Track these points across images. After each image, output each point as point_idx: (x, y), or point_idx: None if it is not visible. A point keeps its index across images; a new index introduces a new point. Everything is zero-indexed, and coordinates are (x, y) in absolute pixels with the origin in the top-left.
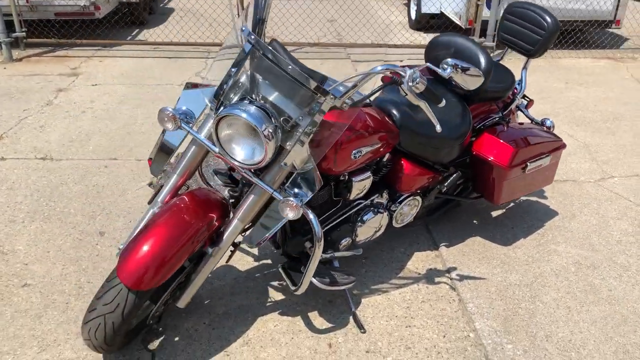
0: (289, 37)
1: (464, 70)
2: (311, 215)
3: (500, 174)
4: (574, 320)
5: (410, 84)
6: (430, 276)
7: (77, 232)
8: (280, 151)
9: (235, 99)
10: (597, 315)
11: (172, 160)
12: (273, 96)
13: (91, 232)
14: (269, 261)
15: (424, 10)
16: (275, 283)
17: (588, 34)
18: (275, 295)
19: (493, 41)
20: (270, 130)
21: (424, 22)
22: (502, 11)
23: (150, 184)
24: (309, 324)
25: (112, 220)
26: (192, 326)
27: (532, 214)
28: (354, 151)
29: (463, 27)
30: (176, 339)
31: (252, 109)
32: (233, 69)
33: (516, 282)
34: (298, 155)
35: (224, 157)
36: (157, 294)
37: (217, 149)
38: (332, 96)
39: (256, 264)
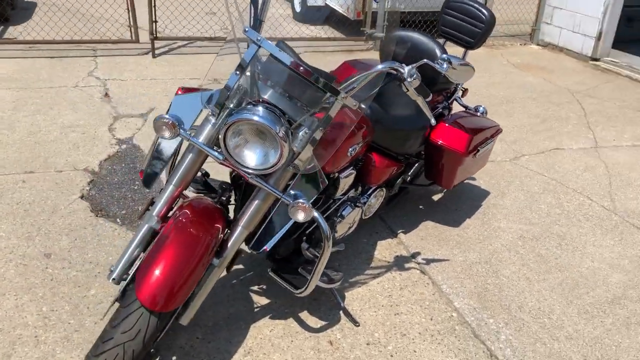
0: (168, 31)
1: (463, 64)
2: (317, 215)
3: (457, 160)
4: (536, 290)
5: (409, 80)
6: (400, 263)
7: (17, 257)
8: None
9: (235, 103)
10: (553, 282)
11: (162, 174)
12: (277, 98)
13: (34, 255)
14: (241, 266)
15: (310, 2)
16: (255, 287)
17: None
18: (260, 300)
19: (382, 32)
20: (284, 132)
21: (310, 14)
22: (389, 3)
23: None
24: (303, 325)
25: (54, 240)
26: (186, 342)
27: (468, 195)
28: (349, 149)
29: (351, 18)
30: (173, 358)
31: (263, 111)
32: (237, 73)
33: (476, 260)
34: (305, 156)
35: (229, 164)
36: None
37: (221, 157)
38: (343, 95)
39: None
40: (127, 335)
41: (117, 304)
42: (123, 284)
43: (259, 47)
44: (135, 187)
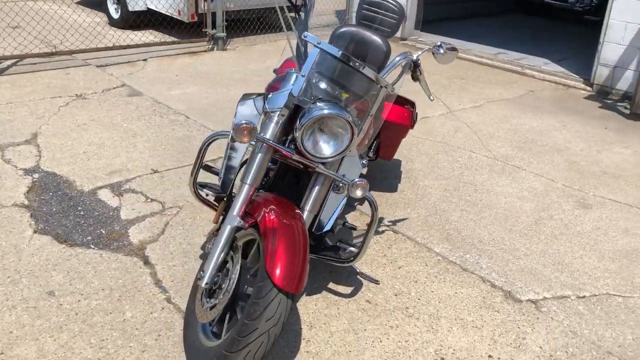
0: None
1: (450, 49)
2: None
3: (402, 133)
4: (482, 226)
5: (421, 67)
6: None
7: (19, 303)
8: None
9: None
10: (490, 218)
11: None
12: (332, 92)
13: (36, 296)
14: None
15: (132, 8)
16: None
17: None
18: None
19: (223, 32)
20: (352, 118)
21: (131, 20)
22: (227, 3)
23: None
24: (338, 294)
25: (45, 277)
26: None
27: (385, 166)
28: (371, 132)
29: (186, 21)
30: None
31: (331, 105)
32: (302, 75)
33: (427, 214)
34: (358, 140)
35: (301, 159)
36: None
37: (293, 153)
38: (390, 85)
39: None
40: (272, 322)
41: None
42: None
43: (320, 49)
44: (82, 212)
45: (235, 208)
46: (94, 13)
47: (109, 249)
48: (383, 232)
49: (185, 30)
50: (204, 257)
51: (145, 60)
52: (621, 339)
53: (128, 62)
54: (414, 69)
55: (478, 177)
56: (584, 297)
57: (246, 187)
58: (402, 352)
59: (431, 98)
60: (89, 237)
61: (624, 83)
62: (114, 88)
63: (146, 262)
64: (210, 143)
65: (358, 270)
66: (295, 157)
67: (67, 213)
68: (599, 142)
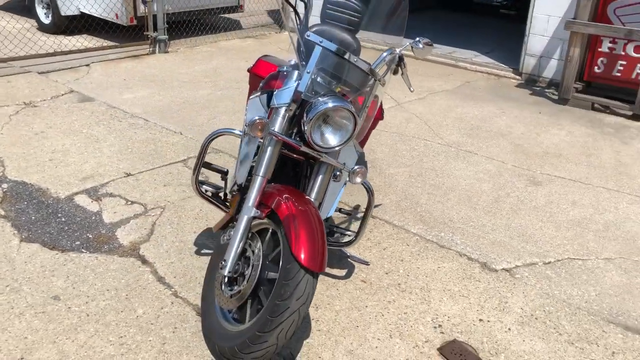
0: None
1: (427, 44)
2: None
3: (374, 124)
4: (450, 207)
5: (404, 61)
6: (353, 216)
7: (26, 309)
8: None
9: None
10: (455, 199)
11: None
12: (333, 85)
13: (41, 301)
14: None
15: (65, 12)
16: None
17: (220, 20)
18: None
19: (165, 34)
20: (354, 109)
21: (64, 25)
22: (166, 5)
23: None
24: (333, 277)
25: (46, 283)
26: None
27: None
28: (369, 124)
29: (124, 24)
30: None
31: (334, 98)
32: (308, 72)
33: (399, 199)
34: (357, 129)
35: (308, 150)
36: None
37: (301, 145)
38: (382, 79)
39: None
40: (301, 300)
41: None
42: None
43: (322, 47)
44: (63, 219)
45: (250, 199)
46: (20, 19)
47: (101, 252)
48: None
49: (123, 33)
50: (223, 248)
51: (88, 65)
52: (586, 295)
53: (70, 68)
54: (398, 63)
55: (437, 163)
56: (549, 262)
57: (259, 178)
58: (403, 323)
59: (412, 89)
60: (77, 242)
61: (550, 71)
62: (63, 95)
63: (144, 261)
64: (212, 141)
65: (348, 254)
66: (303, 148)
67: (48, 220)
68: (537, 126)
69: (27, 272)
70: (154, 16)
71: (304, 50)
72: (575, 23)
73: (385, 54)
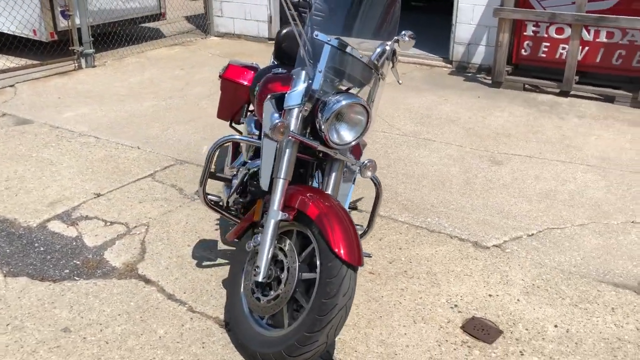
0: None
1: (411, 36)
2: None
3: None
4: (427, 193)
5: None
6: None
7: (38, 346)
8: None
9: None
10: (429, 186)
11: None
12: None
13: (50, 336)
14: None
15: None
16: None
17: (144, 30)
18: None
19: (91, 48)
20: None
21: None
22: (89, 19)
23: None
24: None
25: (48, 317)
26: None
27: None
28: None
29: (45, 40)
30: None
31: (347, 95)
32: (320, 71)
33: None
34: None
35: (324, 148)
36: None
37: (318, 144)
38: (383, 74)
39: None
40: (347, 295)
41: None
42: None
43: (331, 46)
44: (42, 249)
45: (274, 203)
46: None
47: (96, 277)
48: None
49: (44, 50)
50: (243, 255)
51: (12, 86)
52: (573, 260)
53: None
54: (392, 57)
55: (401, 152)
56: (532, 234)
57: (281, 181)
58: (421, 308)
59: (400, 82)
60: (67, 271)
61: (478, 57)
62: None
63: (147, 280)
64: (217, 149)
65: None
66: (321, 147)
67: (26, 252)
68: (480, 110)
69: (24, 307)
70: (78, 29)
71: (310, 49)
72: (503, 10)
73: (379, 48)
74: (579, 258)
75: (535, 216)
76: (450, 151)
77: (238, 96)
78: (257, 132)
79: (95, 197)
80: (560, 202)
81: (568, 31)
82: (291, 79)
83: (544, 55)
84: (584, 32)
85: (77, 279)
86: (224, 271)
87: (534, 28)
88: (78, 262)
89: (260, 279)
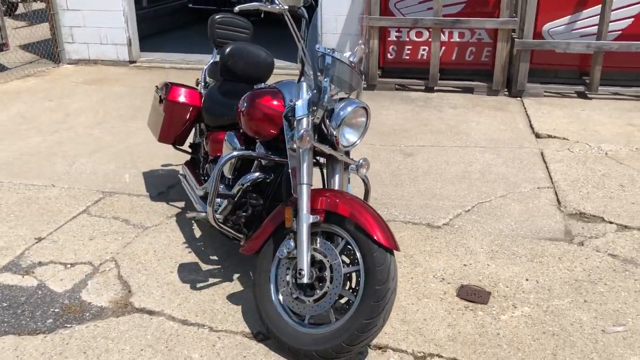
0: None
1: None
2: None
3: None
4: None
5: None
6: None
7: None
8: None
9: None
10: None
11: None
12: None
13: None
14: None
15: None
16: None
17: None
18: None
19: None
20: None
21: None
22: None
23: None
24: None
25: None
26: None
27: None
28: None
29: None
30: None
31: (349, 100)
32: (326, 80)
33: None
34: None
35: (333, 152)
36: None
37: (329, 149)
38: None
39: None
40: (395, 279)
41: None
42: None
43: (332, 57)
44: (5, 304)
45: (304, 207)
46: None
47: (90, 320)
48: None
49: None
50: (267, 264)
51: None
52: (510, 226)
53: None
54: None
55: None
56: (469, 210)
57: (305, 186)
58: (417, 286)
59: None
60: (50, 320)
61: None
62: None
63: (150, 312)
64: (223, 167)
65: None
66: (330, 151)
67: (19, 317)
68: None
69: None
70: None
71: (310, 62)
72: (372, 18)
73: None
74: (513, 223)
75: (463, 194)
76: (364, 150)
77: (184, 118)
78: (241, 147)
79: (37, 242)
80: (477, 180)
81: (426, 34)
82: (278, 92)
83: (407, 57)
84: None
85: (69, 325)
86: (223, 289)
87: (396, 34)
88: (57, 310)
89: (305, 280)
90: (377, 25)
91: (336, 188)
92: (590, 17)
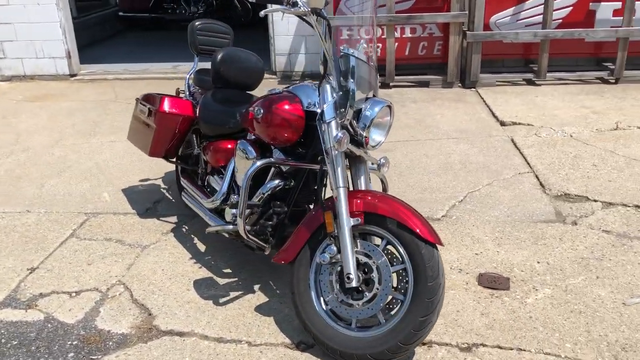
0: None
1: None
2: None
3: None
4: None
5: None
6: None
7: None
8: None
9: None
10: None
11: None
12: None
13: None
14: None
15: None
16: None
17: None
18: None
19: None
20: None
21: None
22: None
23: None
24: None
25: None
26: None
27: None
28: None
29: None
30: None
31: (374, 100)
32: (352, 81)
33: None
34: None
35: (361, 152)
36: None
37: (361, 150)
38: None
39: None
40: (444, 275)
41: None
42: None
43: (355, 57)
44: (15, 342)
45: (344, 211)
46: None
47: (116, 349)
48: None
49: None
50: (304, 271)
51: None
52: (504, 211)
53: None
54: None
55: None
56: (462, 200)
57: (342, 189)
58: None
59: None
60: (72, 354)
61: (300, 65)
62: None
63: (180, 333)
64: (252, 176)
65: None
66: (359, 151)
67: (3, 354)
68: None
69: None
70: None
71: (333, 65)
72: (329, 18)
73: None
74: (506, 209)
75: (452, 185)
76: None
77: (178, 129)
78: (256, 155)
79: (31, 272)
80: (460, 170)
81: (378, 31)
82: (295, 96)
83: None
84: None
85: (95, 357)
86: (248, 301)
87: (348, 32)
88: (75, 342)
89: (354, 284)
90: (333, 25)
91: (363, 188)
92: (533, 7)
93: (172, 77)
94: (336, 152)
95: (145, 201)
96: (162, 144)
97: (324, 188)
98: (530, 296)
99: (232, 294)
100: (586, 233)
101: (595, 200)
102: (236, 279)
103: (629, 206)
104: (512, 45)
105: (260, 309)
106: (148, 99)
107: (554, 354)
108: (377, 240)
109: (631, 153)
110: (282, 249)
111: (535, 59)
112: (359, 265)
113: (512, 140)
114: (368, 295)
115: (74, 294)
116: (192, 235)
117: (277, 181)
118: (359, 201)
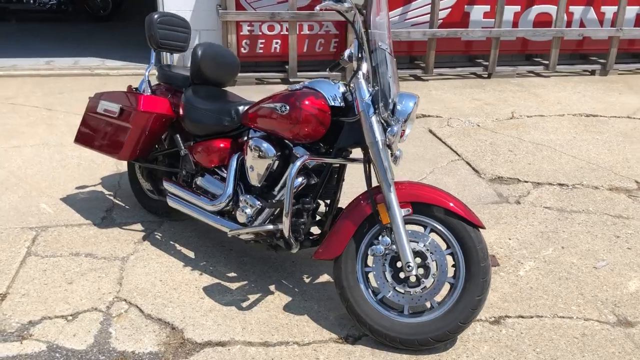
0: None
1: None
2: None
3: None
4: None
5: None
6: None
7: None
8: None
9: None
10: None
11: None
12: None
13: None
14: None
15: None
16: None
17: None
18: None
19: None
20: None
21: None
22: None
23: None
24: None
25: None
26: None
27: None
28: None
29: None
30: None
31: (406, 94)
32: (390, 77)
33: None
34: None
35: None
36: None
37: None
38: None
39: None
40: (488, 255)
41: None
42: None
43: (387, 52)
44: None
45: (395, 204)
46: None
47: None
48: None
49: None
50: (347, 266)
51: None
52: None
53: None
54: None
55: None
56: None
57: (392, 181)
58: None
59: None
60: None
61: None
62: None
63: (220, 343)
64: (297, 174)
65: None
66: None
67: None
68: None
69: None
70: None
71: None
72: (229, 13)
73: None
74: (457, 194)
75: (401, 175)
76: None
77: (158, 130)
78: (277, 153)
79: (3, 299)
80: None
81: (278, 28)
82: (319, 92)
83: (261, 51)
84: None
85: None
86: (272, 302)
87: (249, 28)
88: None
89: (415, 272)
90: (234, 20)
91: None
92: (419, 7)
93: (46, 74)
94: (381, 146)
95: (96, 210)
96: (140, 145)
97: (341, 182)
98: (520, 269)
99: (252, 297)
100: (533, 210)
101: (525, 182)
102: (246, 281)
103: (554, 185)
104: (398, 44)
105: (289, 309)
106: (115, 97)
107: (568, 317)
108: (420, 229)
109: (534, 139)
110: (324, 245)
111: (419, 55)
112: (414, 253)
113: (431, 131)
114: (425, 281)
115: (70, 317)
116: (171, 242)
117: (300, 179)
118: (403, 192)
